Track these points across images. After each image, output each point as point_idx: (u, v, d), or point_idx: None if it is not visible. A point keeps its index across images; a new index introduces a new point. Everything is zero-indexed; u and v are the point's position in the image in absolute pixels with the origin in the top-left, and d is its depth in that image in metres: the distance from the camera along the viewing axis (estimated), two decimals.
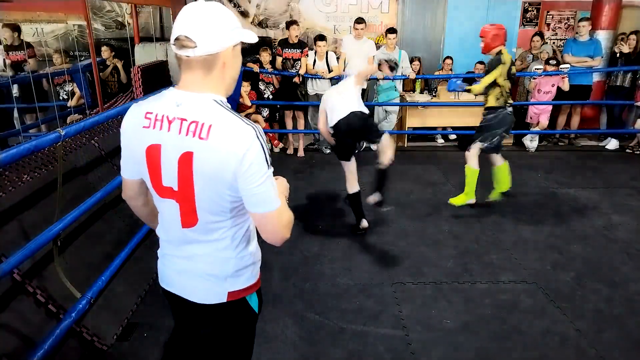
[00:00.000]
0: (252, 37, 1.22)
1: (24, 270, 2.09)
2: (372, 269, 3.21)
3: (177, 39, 1.13)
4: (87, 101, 5.21)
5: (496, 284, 3.02)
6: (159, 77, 5.02)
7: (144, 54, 5.40)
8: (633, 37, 5.82)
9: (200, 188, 1.17)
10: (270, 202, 1.19)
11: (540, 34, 6.60)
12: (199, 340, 1.40)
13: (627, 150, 5.99)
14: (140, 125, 1.19)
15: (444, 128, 6.47)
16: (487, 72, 3.82)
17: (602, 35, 6.36)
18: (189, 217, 1.22)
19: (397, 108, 6.11)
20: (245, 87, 5.79)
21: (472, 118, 6.27)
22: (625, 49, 5.80)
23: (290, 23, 5.68)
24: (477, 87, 3.86)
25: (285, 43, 5.76)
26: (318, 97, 5.89)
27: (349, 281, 3.05)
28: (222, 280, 1.29)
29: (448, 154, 5.99)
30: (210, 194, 1.18)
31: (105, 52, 5.60)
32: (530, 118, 6.07)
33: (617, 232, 3.75)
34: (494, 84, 3.78)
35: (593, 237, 3.65)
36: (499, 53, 3.76)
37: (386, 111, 6.03)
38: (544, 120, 5.96)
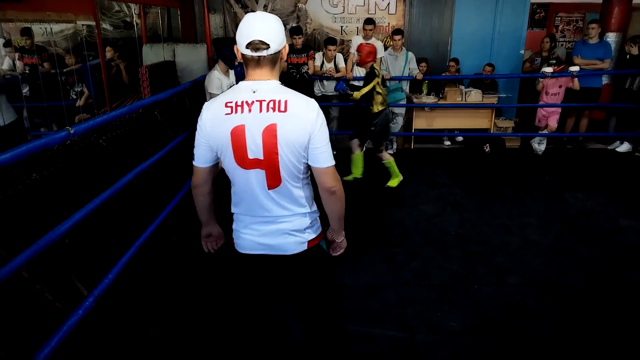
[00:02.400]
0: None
1: (31, 268, 2.11)
2: (378, 271, 3.20)
3: (250, 43, 1.45)
4: (95, 100, 5.24)
5: (503, 287, 3.01)
6: (166, 77, 5.05)
7: (151, 54, 5.44)
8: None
9: (283, 152, 1.47)
10: (331, 159, 1.55)
11: (551, 36, 6.56)
12: (295, 289, 1.71)
13: (637, 154, 5.94)
14: (222, 114, 1.47)
15: (451, 130, 6.45)
16: (365, 84, 4.43)
17: (612, 38, 6.32)
18: (273, 180, 1.52)
19: (403, 109, 6.10)
20: None
21: (478, 120, 6.28)
22: (635, 50, 5.75)
23: (295, 32, 5.67)
24: (358, 94, 4.42)
25: (289, 48, 5.78)
26: (325, 98, 5.90)
27: (354, 282, 3.05)
28: (302, 233, 1.61)
29: (455, 156, 5.97)
30: (290, 157, 1.49)
31: (109, 52, 5.60)
32: (539, 121, 6.03)
33: (625, 236, 3.71)
34: (375, 93, 4.37)
35: (601, 241, 3.62)
36: (372, 67, 4.38)
37: (393, 113, 6.02)
38: (553, 123, 5.91)
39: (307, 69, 5.69)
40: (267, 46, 1.45)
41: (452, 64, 6.38)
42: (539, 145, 6.06)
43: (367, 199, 4.43)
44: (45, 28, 5.79)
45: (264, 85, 1.48)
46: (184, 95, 4.47)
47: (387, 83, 5.82)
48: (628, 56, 5.87)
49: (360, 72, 5.56)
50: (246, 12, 6.94)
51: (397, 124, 6.03)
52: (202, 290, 2.96)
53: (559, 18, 7.63)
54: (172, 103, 4.15)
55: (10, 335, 1.92)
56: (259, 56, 1.46)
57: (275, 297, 1.74)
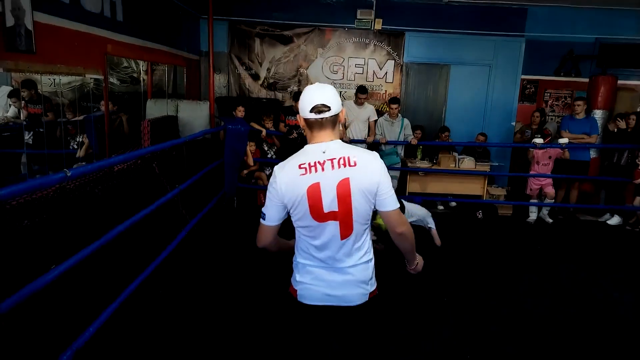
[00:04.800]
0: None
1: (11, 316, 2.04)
2: None
3: (314, 107, 1.65)
4: (95, 151, 5.30)
5: (498, 358, 2.92)
6: (167, 131, 5.16)
7: (155, 109, 5.59)
8: (633, 117, 6.02)
9: (356, 201, 1.66)
10: (396, 202, 1.73)
11: (541, 110, 6.85)
12: (351, 338, 1.80)
13: (627, 227, 6.00)
14: (298, 175, 1.65)
15: (444, 195, 6.53)
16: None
17: (598, 115, 6.59)
18: (346, 230, 1.68)
19: (397, 173, 6.21)
20: (251, 147, 5.93)
21: (471, 186, 6.38)
22: (623, 125, 5.98)
23: (298, 97, 5.87)
24: None
25: (290, 111, 5.98)
26: None
27: None
28: (366, 284, 1.76)
29: (448, 221, 5.99)
30: (362, 204, 1.67)
31: (110, 105, 5.72)
32: (530, 190, 6.13)
33: (618, 311, 3.66)
34: None
35: (595, 314, 3.57)
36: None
37: None
38: (551, 191, 6.01)
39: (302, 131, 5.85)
40: (328, 108, 1.65)
41: (445, 134, 6.58)
42: (532, 214, 6.12)
43: None
44: (54, 79, 5.97)
45: (331, 145, 1.68)
46: (182, 149, 4.55)
47: (383, 147, 5.98)
48: (616, 130, 6.10)
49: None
50: (250, 74, 7.25)
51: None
52: (188, 343, 2.85)
53: (549, 94, 7.99)
54: (170, 156, 4.22)
55: None
56: (322, 118, 1.66)
57: (329, 348, 1.83)
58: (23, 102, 5.44)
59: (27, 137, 5.27)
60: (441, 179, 6.32)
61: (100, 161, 2.74)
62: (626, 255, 4.99)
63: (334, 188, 1.64)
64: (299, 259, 1.78)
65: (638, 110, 6.67)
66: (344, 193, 1.64)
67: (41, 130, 5.08)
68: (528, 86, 7.84)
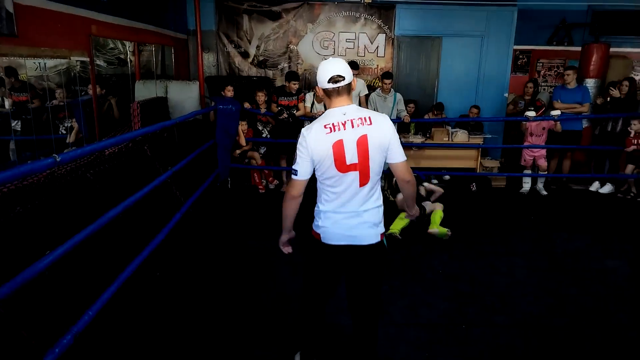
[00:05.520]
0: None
1: (8, 302, 2.04)
2: None
3: (331, 78, 1.95)
4: (85, 135, 5.24)
5: (491, 328, 2.97)
6: (157, 112, 5.09)
7: (144, 90, 5.50)
8: (626, 83, 5.99)
9: (373, 155, 1.98)
10: (404, 155, 2.07)
11: (534, 80, 6.81)
12: (363, 271, 2.13)
13: (619, 195, 6.06)
14: (324, 134, 1.96)
15: (438, 169, 6.54)
16: None
17: (591, 84, 6.57)
18: (364, 179, 2.00)
19: None
20: (243, 126, 5.87)
21: (465, 160, 6.39)
22: (616, 93, 5.96)
23: (291, 78, 5.77)
24: None
25: (281, 91, 5.88)
26: None
27: (342, 322, 2.99)
28: (377, 227, 2.09)
29: (442, 195, 6.01)
30: (377, 157, 2.00)
31: (97, 89, 5.62)
32: (524, 160, 6.16)
33: (611, 277, 3.73)
34: None
35: (588, 282, 3.63)
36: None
37: None
38: (543, 163, 6.04)
39: (296, 111, 5.79)
40: (343, 78, 1.97)
41: (438, 111, 6.55)
42: (525, 185, 6.17)
43: None
44: (39, 63, 5.85)
45: (349, 109, 2.00)
46: (173, 130, 4.50)
47: None
48: (609, 98, 6.08)
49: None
50: (239, 52, 7.14)
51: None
52: (187, 326, 2.88)
53: (541, 64, 7.94)
54: (161, 138, 4.17)
55: None
56: (339, 87, 1.97)
57: (342, 278, 2.20)
58: (8, 90, 5.33)
59: (14, 124, 5.18)
60: (435, 153, 6.32)
61: (90, 145, 2.70)
62: (618, 223, 5.06)
63: (355, 143, 1.95)
64: (322, 207, 2.09)
65: (630, 76, 6.64)
66: (363, 147, 1.96)
67: (29, 117, 5.00)
68: (520, 56, 7.79)
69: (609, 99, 6.11)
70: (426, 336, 2.87)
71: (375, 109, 6.02)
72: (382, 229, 2.11)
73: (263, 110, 5.91)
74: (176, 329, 2.88)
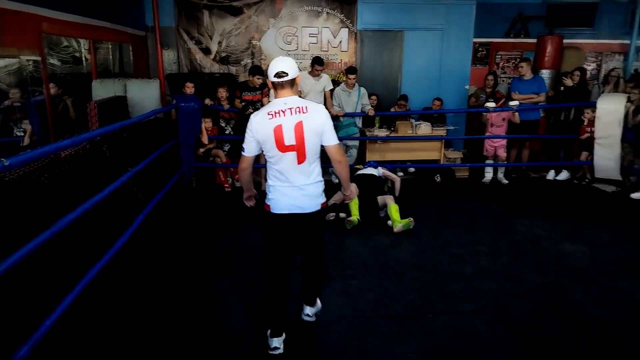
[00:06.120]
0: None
1: None
2: (334, 303, 3.17)
3: (276, 73, 2.37)
4: (40, 138, 5.02)
5: (457, 316, 3.04)
6: (116, 112, 4.94)
7: (101, 89, 5.32)
8: (577, 72, 6.22)
9: (308, 138, 2.37)
10: (336, 139, 2.48)
11: (493, 72, 6.98)
12: (309, 233, 2.60)
13: (575, 182, 6.31)
14: (267, 119, 2.36)
15: (403, 162, 6.62)
16: None
17: (546, 75, 6.79)
18: (301, 158, 2.40)
19: (357, 142, 6.23)
20: (207, 123, 5.77)
21: (429, 151, 6.50)
22: (569, 82, 6.18)
23: (255, 72, 5.65)
24: None
25: (244, 86, 5.77)
26: None
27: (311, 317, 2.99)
28: (318, 197, 2.52)
29: (407, 187, 6.11)
30: (312, 140, 2.39)
31: (53, 88, 5.39)
32: (486, 151, 6.31)
33: (570, 261, 3.88)
34: None
35: (548, 266, 3.77)
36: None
37: (347, 146, 6.13)
38: (503, 153, 6.22)
39: (259, 105, 5.72)
40: (287, 74, 2.37)
41: (402, 102, 6.62)
42: (487, 175, 6.33)
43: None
44: None
45: (290, 99, 2.40)
46: (133, 130, 4.37)
47: (341, 118, 5.95)
48: (562, 88, 6.30)
49: None
50: (200, 48, 7.00)
51: (351, 157, 6.13)
52: (152, 332, 2.81)
53: (500, 56, 8.15)
54: (121, 138, 4.05)
55: None
56: (283, 81, 2.38)
57: (295, 240, 2.59)
58: None
59: None
60: (400, 145, 6.39)
61: (43, 147, 2.58)
62: (575, 208, 5.26)
63: (292, 128, 2.35)
64: (270, 182, 2.50)
65: (582, 66, 6.90)
66: (299, 131, 2.35)
67: None
68: (480, 49, 7.97)
69: (562, 88, 6.33)
70: (395, 328, 2.90)
71: (340, 104, 6.03)
72: (322, 199, 2.54)
73: (226, 106, 5.82)
74: (141, 335, 2.80)
